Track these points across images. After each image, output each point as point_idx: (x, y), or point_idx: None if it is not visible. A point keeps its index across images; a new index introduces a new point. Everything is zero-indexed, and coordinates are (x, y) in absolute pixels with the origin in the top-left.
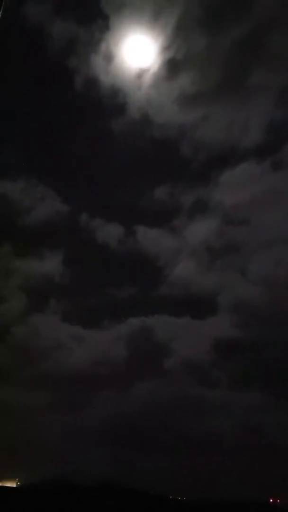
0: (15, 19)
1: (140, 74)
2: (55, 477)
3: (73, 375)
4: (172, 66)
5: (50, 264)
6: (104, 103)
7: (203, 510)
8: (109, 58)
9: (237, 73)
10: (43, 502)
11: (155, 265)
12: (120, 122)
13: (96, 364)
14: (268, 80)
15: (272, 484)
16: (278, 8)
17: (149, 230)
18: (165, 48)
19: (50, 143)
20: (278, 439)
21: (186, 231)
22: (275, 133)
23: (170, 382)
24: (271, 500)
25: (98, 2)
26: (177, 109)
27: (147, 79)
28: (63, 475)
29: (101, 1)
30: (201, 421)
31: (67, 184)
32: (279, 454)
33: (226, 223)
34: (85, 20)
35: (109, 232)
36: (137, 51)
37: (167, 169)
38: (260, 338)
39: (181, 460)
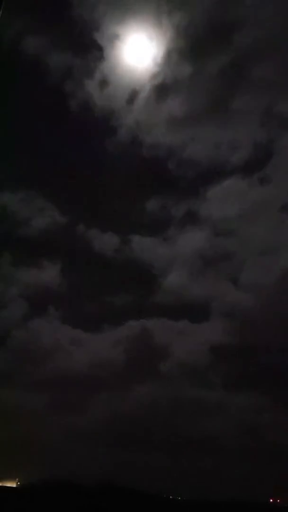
0: (15, 50)
1: (132, 98)
2: (55, 477)
3: (73, 377)
4: (161, 91)
5: (49, 273)
6: (98, 124)
7: (203, 510)
8: (103, 83)
9: (221, 97)
10: (43, 502)
11: (150, 273)
12: (113, 141)
13: (95, 367)
14: (251, 104)
15: (272, 484)
16: (256, 40)
17: (143, 239)
18: (155, 75)
19: (48, 160)
20: (275, 439)
21: (179, 240)
22: (260, 152)
23: (168, 384)
24: (271, 500)
25: (93, 34)
26: (165, 131)
27: (138, 102)
28: (63, 475)
29: (96, 34)
30: (199, 422)
31: (65, 196)
32: (277, 454)
33: (216, 234)
34: (81, 50)
35: (105, 242)
36: (129, 77)
37: (157, 184)
38: (253, 342)
39: (180, 460)
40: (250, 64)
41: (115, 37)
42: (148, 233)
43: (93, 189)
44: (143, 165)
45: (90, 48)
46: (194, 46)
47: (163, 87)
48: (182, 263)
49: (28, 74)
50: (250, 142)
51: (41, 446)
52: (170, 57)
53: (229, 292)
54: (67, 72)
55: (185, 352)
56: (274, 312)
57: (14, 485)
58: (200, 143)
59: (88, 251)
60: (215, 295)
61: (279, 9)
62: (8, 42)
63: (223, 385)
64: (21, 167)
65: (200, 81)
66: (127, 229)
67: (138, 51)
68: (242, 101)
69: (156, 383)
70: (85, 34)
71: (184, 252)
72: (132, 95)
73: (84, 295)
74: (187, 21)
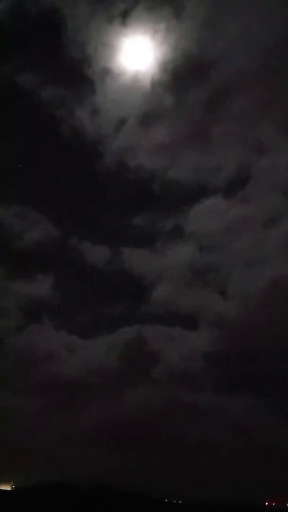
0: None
1: (119, 125)
2: (50, 480)
3: (68, 382)
4: (146, 119)
5: (43, 284)
6: (88, 148)
7: None
8: (93, 113)
9: (202, 126)
10: (38, 505)
11: (141, 284)
12: (102, 163)
13: (89, 372)
14: (229, 131)
15: (267, 486)
16: (231, 75)
17: (133, 252)
18: (141, 105)
19: (42, 178)
20: (269, 442)
21: (167, 253)
22: (239, 173)
23: (161, 388)
24: (266, 503)
25: (84, 70)
26: (150, 155)
27: (125, 129)
28: (58, 478)
29: (86, 69)
30: (193, 426)
31: (57, 211)
32: (270, 456)
33: (201, 248)
34: (72, 84)
35: (96, 254)
36: (117, 108)
37: (143, 202)
38: (240, 349)
39: (175, 463)
40: (227, 96)
41: (105, 72)
42: (137, 246)
43: (84, 205)
44: (129, 185)
45: (81, 82)
46: (176, 80)
47: (148, 116)
48: (171, 274)
49: (24, 103)
50: (230, 165)
51: (35, 449)
52: (155, 89)
53: (216, 302)
54: (60, 102)
55: (180, 357)
56: (260, 320)
57: (8, 488)
58: (182, 166)
59: (80, 262)
60: (203, 305)
61: (251, 49)
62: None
63: (214, 389)
64: (16, 184)
65: (182, 111)
66: (117, 242)
67: (126, 84)
68: (221, 129)
69: (149, 387)
70: (77, 69)
71: (173, 264)
72: (120, 123)
73: (77, 304)
74: (169, 58)
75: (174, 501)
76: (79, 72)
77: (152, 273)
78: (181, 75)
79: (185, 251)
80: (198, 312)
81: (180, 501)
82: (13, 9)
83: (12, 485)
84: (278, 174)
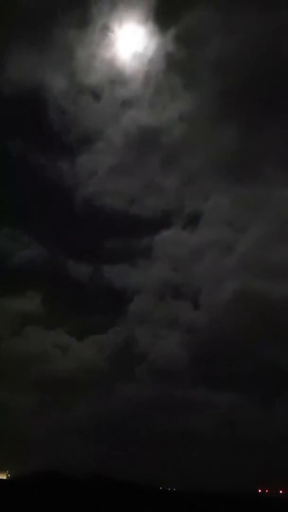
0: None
1: (92, 175)
2: (46, 469)
3: (61, 379)
4: (115, 172)
5: (32, 299)
6: (67, 190)
7: (193, 500)
8: (71, 166)
9: (155, 179)
10: (34, 493)
11: (121, 297)
12: (79, 203)
13: (81, 369)
14: (179, 182)
15: (256, 475)
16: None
17: (112, 268)
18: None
19: (32, 207)
20: (252, 434)
21: (144, 270)
22: (193, 213)
23: (148, 384)
24: (259, 491)
25: (69, 135)
26: (116, 197)
27: (97, 177)
28: (53, 467)
29: (69, 135)
30: (182, 418)
31: (44, 234)
32: (255, 447)
33: (172, 267)
34: (56, 147)
35: (80, 271)
36: (92, 162)
37: (116, 230)
38: (211, 353)
39: (166, 453)
40: (176, 157)
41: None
42: (116, 263)
43: (68, 229)
44: (102, 216)
45: (62, 146)
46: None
47: (116, 169)
48: (147, 288)
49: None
50: (182, 208)
51: (31, 440)
52: (119, 150)
53: (189, 312)
54: (45, 156)
55: (167, 355)
56: (227, 326)
57: (4, 477)
58: (144, 207)
59: (66, 279)
60: (178, 315)
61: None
62: None
63: (194, 386)
64: (8, 210)
65: (141, 168)
66: (98, 260)
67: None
68: (169, 181)
69: (137, 383)
70: (59, 135)
71: (148, 279)
72: (93, 173)
73: (64, 316)
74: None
75: (168, 489)
76: (61, 138)
77: (130, 287)
78: (129, 152)
79: (158, 268)
80: (174, 320)
81: (174, 489)
82: None
83: (7, 474)
84: (224, 212)
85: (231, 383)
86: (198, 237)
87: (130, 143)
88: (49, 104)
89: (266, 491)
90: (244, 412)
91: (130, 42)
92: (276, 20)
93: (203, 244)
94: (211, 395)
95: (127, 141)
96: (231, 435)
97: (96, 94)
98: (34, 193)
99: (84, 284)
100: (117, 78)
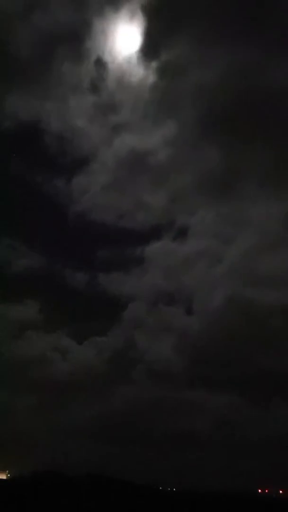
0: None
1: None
2: (45, 469)
3: (61, 380)
4: (107, 191)
5: (31, 306)
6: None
7: (193, 501)
8: (66, 183)
9: (140, 198)
10: (33, 493)
11: (116, 303)
12: (73, 214)
13: (80, 371)
14: (164, 200)
15: (256, 476)
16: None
17: (107, 276)
18: (104, 187)
19: (30, 219)
20: (255, 433)
21: (138, 278)
22: (181, 226)
23: (144, 386)
24: (259, 491)
25: (65, 156)
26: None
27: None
28: (53, 468)
29: (66, 157)
30: (181, 419)
31: (43, 243)
32: (254, 447)
33: (164, 276)
34: (53, 170)
35: (76, 279)
36: (85, 184)
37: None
38: (202, 356)
39: (165, 453)
40: (165, 175)
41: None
42: (110, 271)
43: (63, 240)
44: (96, 229)
45: (59, 167)
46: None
47: (108, 187)
48: (141, 295)
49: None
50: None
51: (31, 440)
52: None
53: (182, 317)
54: (43, 175)
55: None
56: (218, 331)
57: (4, 477)
58: (134, 221)
59: (63, 287)
60: (170, 322)
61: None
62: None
63: (191, 387)
64: (7, 222)
65: (131, 187)
66: (93, 269)
67: (91, 165)
68: (157, 198)
69: (134, 386)
70: (55, 158)
71: (142, 286)
72: (86, 190)
73: (61, 323)
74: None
75: (168, 489)
76: (58, 159)
77: (125, 294)
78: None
79: (150, 276)
80: (168, 325)
81: (174, 489)
82: None
83: (7, 474)
84: (210, 226)
85: (226, 384)
86: (188, 248)
87: (121, 164)
88: (47, 132)
89: (266, 491)
90: (241, 412)
91: (119, 74)
92: (247, 54)
93: (193, 254)
94: (208, 396)
95: (118, 162)
96: (230, 435)
97: (90, 120)
98: (32, 208)
99: (81, 291)
100: (108, 106)
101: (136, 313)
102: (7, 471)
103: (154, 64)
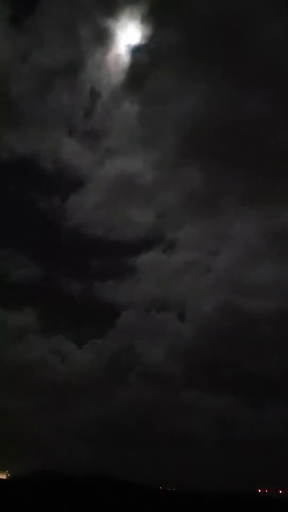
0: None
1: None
2: (45, 469)
3: (62, 383)
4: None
5: (29, 314)
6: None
7: (193, 500)
8: (63, 198)
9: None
10: (33, 493)
11: (111, 310)
12: (68, 228)
13: (81, 374)
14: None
15: (259, 475)
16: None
17: (102, 284)
18: (96, 205)
19: (28, 232)
20: (254, 434)
21: (131, 287)
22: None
23: (141, 389)
24: (259, 491)
25: (59, 180)
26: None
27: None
28: (53, 468)
29: (60, 181)
30: (179, 420)
31: (40, 254)
32: (253, 448)
33: (155, 285)
34: (51, 194)
35: (73, 287)
36: (80, 197)
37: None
38: (195, 361)
39: (166, 453)
40: (152, 195)
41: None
42: (104, 280)
43: (59, 251)
44: (89, 242)
45: (55, 187)
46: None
47: (99, 206)
48: (134, 302)
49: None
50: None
51: (31, 440)
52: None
53: (175, 323)
54: (40, 195)
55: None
56: (209, 337)
57: (4, 477)
58: (124, 235)
59: (60, 294)
60: (163, 328)
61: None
62: None
63: (185, 388)
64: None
65: (117, 204)
66: (88, 279)
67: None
68: (146, 215)
69: (132, 388)
70: (52, 179)
71: (135, 294)
72: (80, 208)
73: (59, 327)
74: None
75: (168, 489)
76: (53, 184)
77: (120, 302)
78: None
79: (144, 286)
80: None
81: (174, 489)
82: None
83: (7, 474)
84: (196, 239)
85: (220, 386)
86: (177, 258)
87: (112, 184)
88: (44, 159)
89: (266, 491)
90: (235, 413)
91: (109, 103)
92: (225, 86)
93: (182, 265)
94: (203, 398)
95: (109, 182)
96: (227, 435)
97: (85, 144)
98: (31, 222)
99: (77, 299)
100: (100, 130)
101: (130, 320)
102: (7, 471)
103: (139, 94)
